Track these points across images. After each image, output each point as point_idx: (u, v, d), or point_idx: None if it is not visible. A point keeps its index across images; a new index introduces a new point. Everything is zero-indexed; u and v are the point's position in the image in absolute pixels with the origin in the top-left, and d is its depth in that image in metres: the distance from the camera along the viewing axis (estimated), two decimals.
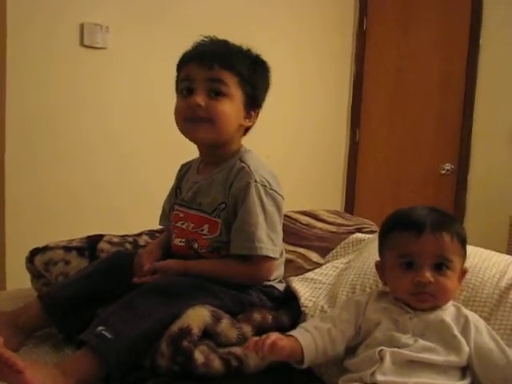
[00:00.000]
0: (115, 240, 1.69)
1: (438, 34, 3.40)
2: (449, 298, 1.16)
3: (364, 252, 1.55)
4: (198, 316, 1.20)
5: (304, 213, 2.12)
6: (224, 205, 1.39)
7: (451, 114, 3.38)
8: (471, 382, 1.10)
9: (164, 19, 2.87)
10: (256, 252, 1.34)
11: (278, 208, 1.40)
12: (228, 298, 1.33)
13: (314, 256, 1.74)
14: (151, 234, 1.79)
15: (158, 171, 2.84)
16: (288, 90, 3.20)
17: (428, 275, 1.12)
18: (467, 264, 1.25)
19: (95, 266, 1.49)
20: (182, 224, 1.47)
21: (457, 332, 1.10)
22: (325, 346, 1.14)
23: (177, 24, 2.88)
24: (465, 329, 1.11)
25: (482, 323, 1.14)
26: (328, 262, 1.64)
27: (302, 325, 1.20)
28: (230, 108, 1.37)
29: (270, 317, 1.33)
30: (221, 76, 1.36)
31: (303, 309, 1.35)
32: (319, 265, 1.63)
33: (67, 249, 1.60)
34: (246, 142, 1.52)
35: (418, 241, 1.13)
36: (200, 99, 1.35)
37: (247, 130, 1.49)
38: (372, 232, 1.84)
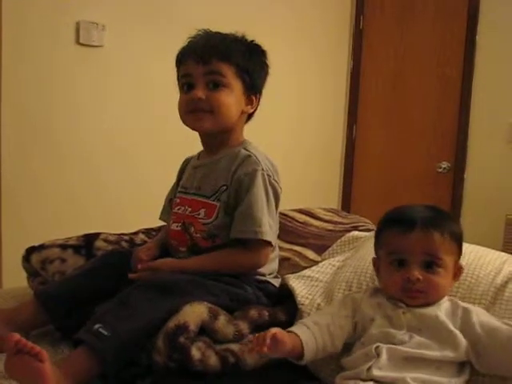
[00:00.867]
0: (111, 238, 1.69)
1: (435, 32, 3.41)
2: (441, 295, 1.16)
3: (360, 250, 1.55)
4: (194, 312, 1.20)
5: (300, 211, 2.12)
6: (225, 187, 1.42)
7: (448, 112, 3.39)
8: (468, 378, 1.10)
9: (160, 17, 2.87)
10: (261, 236, 1.36)
11: (277, 199, 1.44)
12: (224, 295, 1.33)
13: (311, 254, 1.74)
14: (148, 232, 1.79)
15: (156, 169, 2.85)
16: (285, 88, 3.20)
17: (417, 273, 1.12)
18: (463, 262, 1.25)
19: (92, 264, 1.49)
20: (179, 209, 1.50)
21: (452, 327, 1.10)
22: (324, 341, 1.14)
23: (173, 22, 2.88)
24: (465, 318, 1.12)
25: (480, 309, 1.16)
26: (324, 259, 1.63)
27: (302, 321, 1.21)
28: (230, 97, 1.41)
29: (267, 314, 1.33)
30: (218, 68, 1.40)
31: (300, 306, 1.36)
32: (316, 263, 1.62)
33: (63, 247, 1.60)
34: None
35: (407, 238, 1.14)
36: (200, 93, 1.40)
37: (250, 116, 1.52)
38: (368, 230, 1.84)
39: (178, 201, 1.52)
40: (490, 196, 3.20)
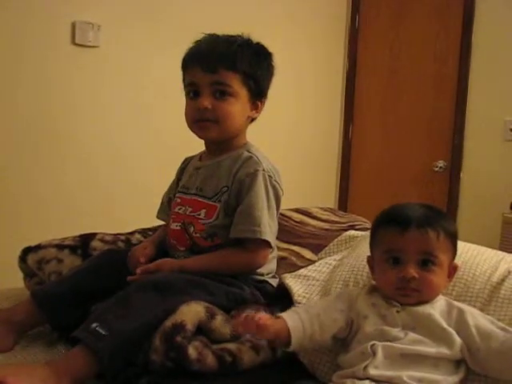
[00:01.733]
0: (108, 238, 1.69)
1: (431, 31, 3.42)
2: (436, 294, 1.16)
3: (357, 249, 1.56)
4: (192, 312, 1.20)
5: (297, 210, 2.13)
6: (226, 188, 1.42)
7: (444, 111, 3.40)
8: (464, 375, 1.11)
9: (156, 18, 2.86)
10: (260, 236, 1.36)
11: (278, 200, 1.45)
12: (222, 295, 1.33)
13: (307, 253, 1.74)
14: (144, 232, 1.79)
15: (152, 170, 2.85)
16: (281, 88, 3.18)
17: (412, 271, 1.13)
18: (459, 260, 1.26)
19: (89, 263, 1.49)
20: (179, 209, 1.50)
21: (445, 325, 1.10)
22: (313, 330, 1.15)
23: (169, 22, 2.88)
24: (460, 319, 1.12)
25: (475, 310, 1.16)
26: (321, 258, 1.64)
27: (294, 308, 1.22)
28: (236, 106, 1.42)
29: (264, 313, 1.33)
30: (224, 78, 1.40)
31: (296, 305, 1.36)
32: (312, 262, 1.63)
33: (60, 247, 1.60)
34: None
35: (403, 237, 1.14)
36: (206, 102, 1.40)
37: (253, 119, 1.53)
38: (365, 229, 1.84)
39: (178, 201, 1.52)
40: (487, 194, 3.21)
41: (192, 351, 1.14)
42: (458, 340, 1.09)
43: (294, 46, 3.42)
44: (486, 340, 1.08)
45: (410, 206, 1.21)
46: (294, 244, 1.80)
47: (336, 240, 1.73)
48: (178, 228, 1.48)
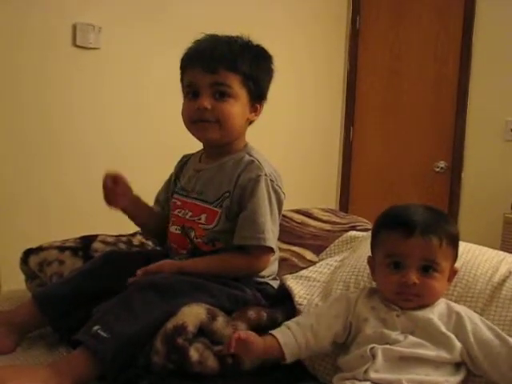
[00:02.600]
0: (109, 240, 1.69)
1: (431, 32, 3.42)
2: (436, 298, 1.16)
3: (358, 250, 1.55)
4: (193, 314, 1.20)
5: (298, 211, 2.13)
6: (228, 193, 1.41)
7: (445, 111, 3.40)
8: (465, 377, 1.10)
9: (157, 19, 2.87)
10: (263, 243, 1.36)
11: (280, 204, 1.44)
12: (224, 296, 1.33)
13: (309, 254, 1.74)
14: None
15: (153, 170, 2.83)
16: (281, 90, 3.18)
17: (413, 277, 1.12)
18: (460, 260, 1.25)
19: (90, 265, 1.48)
20: (179, 212, 1.49)
21: (445, 329, 1.10)
22: (307, 340, 1.15)
23: (170, 24, 2.88)
24: (458, 324, 1.12)
25: (475, 315, 1.15)
26: (322, 259, 1.64)
27: (286, 323, 1.21)
28: (236, 107, 1.40)
29: (265, 314, 1.33)
30: (224, 79, 1.38)
31: (298, 307, 1.36)
32: (313, 263, 1.63)
33: (61, 249, 1.60)
34: None
35: (406, 242, 1.13)
36: (206, 103, 1.38)
37: (251, 121, 1.51)
38: (366, 230, 1.84)
39: (178, 203, 1.51)
40: (488, 195, 3.20)
41: (193, 353, 1.14)
42: (458, 345, 1.09)
43: (295, 48, 3.42)
44: (482, 349, 1.09)
45: (413, 209, 1.20)
46: (295, 245, 1.80)
47: (337, 241, 1.73)
48: (178, 232, 1.47)
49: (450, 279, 1.20)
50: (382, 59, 3.61)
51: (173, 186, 1.58)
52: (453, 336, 1.09)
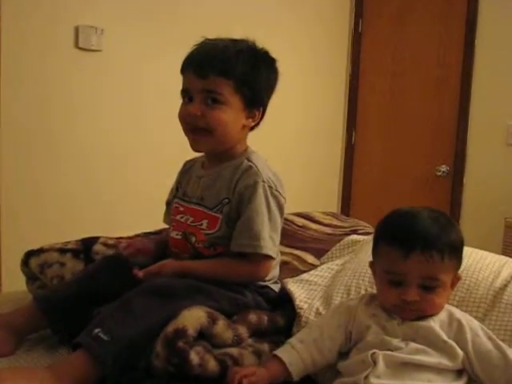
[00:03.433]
0: (110, 242, 1.68)
1: (434, 35, 3.42)
2: (438, 311, 1.14)
3: (359, 253, 1.55)
4: (193, 317, 1.20)
5: (299, 214, 2.13)
6: (227, 200, 1.40)
7: (447, 115, 3.39)
8: (468, 381, 1.10)
9: (159, 22, 2.87)
10: (260, 250, 1.34)
11: (281, 210, 1.41)
12: (224, 300, 1.33)
13: (310, 257, 1.74)
14: (146, 236, 1.79)
15: (154, 173, 2.85)
16: (284, 93, 3.19)
17: (414, 294, 1.10)
18: (462, 265, 1.24)
19: (90, 269, 1.48)
20: (181, 217, 1.48)
21: (446, 338, 1.09)
22: (313, 357, 1.15)
23: (172, 26, 2.89)
24: (459, 333, 1.10)
25: (475, 323, 1.14)
26: (323, 263, 1.64)
27: (289, 340, 1.20)
28: (227, 114, 1.37)
29: (266, 318, 1.33)
30: (215, 86, 1.36)
31: (298, 310, 1.35)
32: (314, 266, 1.63)
33: (62, 251, 1.60)
34: None
35: (405, 262, 1.09)
36: (196, 109, 1.36)
37: (253, 126, 1.48)
38: (367, 234, 1.84)
39: (180, 209, 1.50)
40: (490, 199, 3.20)
41: (194, 356, 1.13)
42: (460, 353, 1.08)
43: (297, 51, 3.42)
44: (480, 360, 1.08)
45: (416, 219, 1.14)
46: (297, 248, 1.80)
47: (338, 245, 1.73)
48: (179, 237, 1.46)
49: (452, 286, 1.17)
50: (385, 62, 3.61)
51: (175, 192, 1.58)
52: (454, 344, 1.08)
